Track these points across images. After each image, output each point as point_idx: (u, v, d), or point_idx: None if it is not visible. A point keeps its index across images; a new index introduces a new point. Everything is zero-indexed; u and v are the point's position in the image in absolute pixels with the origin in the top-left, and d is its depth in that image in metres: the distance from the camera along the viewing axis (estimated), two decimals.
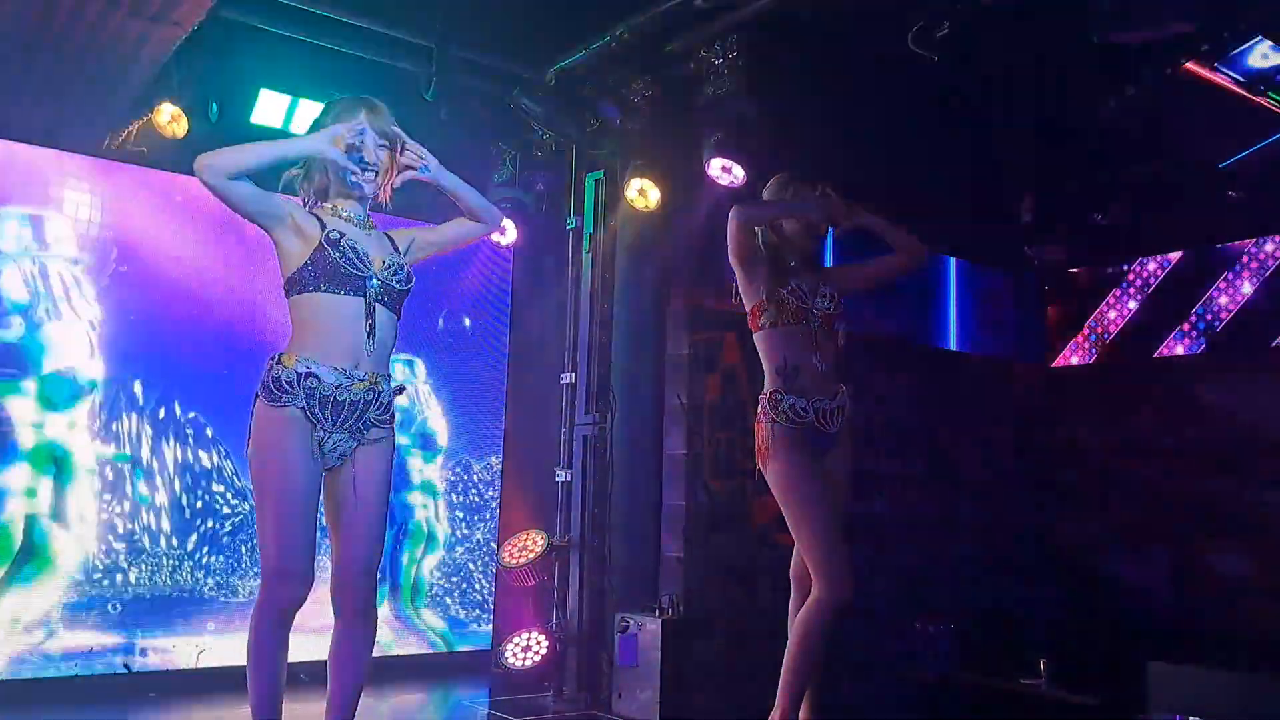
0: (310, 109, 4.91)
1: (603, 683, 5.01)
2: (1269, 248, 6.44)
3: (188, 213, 5.16)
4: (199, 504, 5.21)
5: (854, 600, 3.41)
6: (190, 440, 5.19)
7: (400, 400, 3.00)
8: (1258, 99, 4.58)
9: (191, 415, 5.19)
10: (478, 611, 5.98)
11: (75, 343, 4.91)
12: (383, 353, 2.86)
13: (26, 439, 4.78)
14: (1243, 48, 4.29)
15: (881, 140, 5.26)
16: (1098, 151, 5.65)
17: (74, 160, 4.98)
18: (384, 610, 5.55)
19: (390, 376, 2.90)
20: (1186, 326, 6.73)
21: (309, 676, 3.42)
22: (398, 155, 2.89)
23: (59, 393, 4.85)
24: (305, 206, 2.88)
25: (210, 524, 5.22)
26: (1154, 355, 6.86)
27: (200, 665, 5.08)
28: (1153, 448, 6.65)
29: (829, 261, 5.23)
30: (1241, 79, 4.50)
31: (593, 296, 5.38)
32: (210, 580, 5.19)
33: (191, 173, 2.66)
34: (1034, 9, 4.09)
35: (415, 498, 5.85)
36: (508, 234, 5.52)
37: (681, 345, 5.24)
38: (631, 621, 4.80)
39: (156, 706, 4.81)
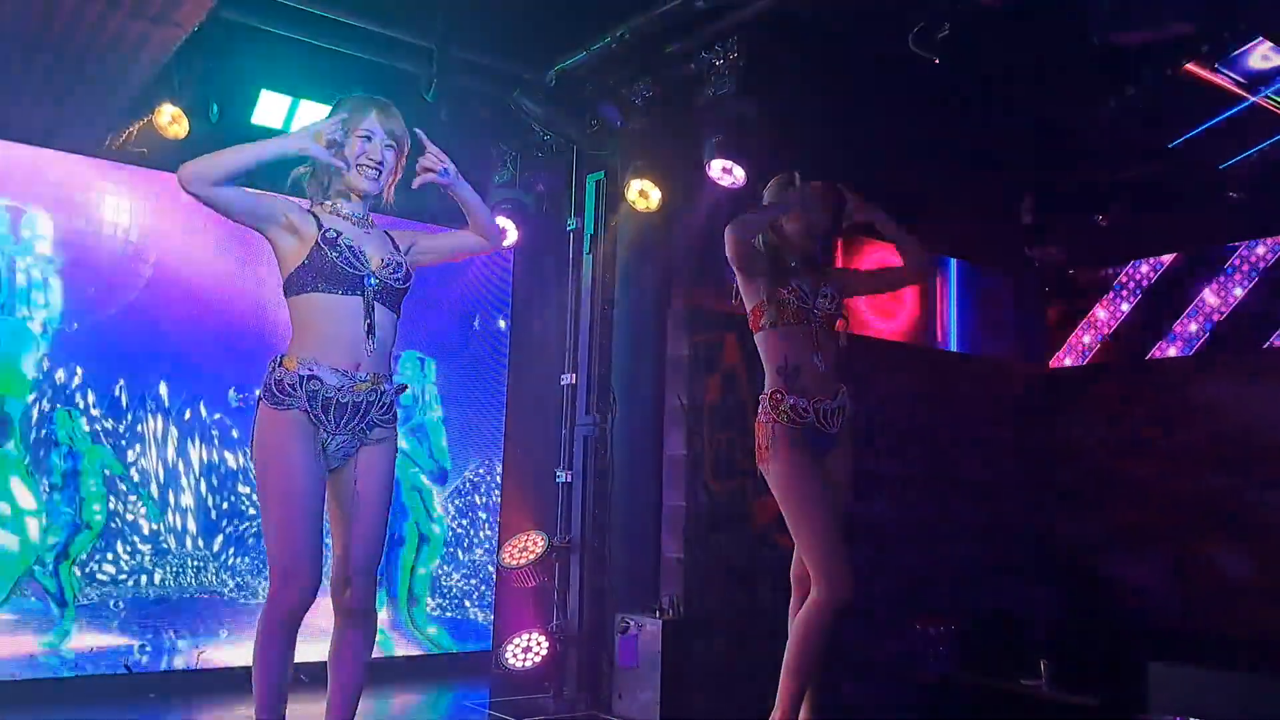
0: (311, 110, 4.91)
1: (603, 683, 5.01)
2: (1260, 250, 6.45)
3: (204, 213, 5.17)
4: (225, 505, 5.26)
5: (854, 601, 3.41)
6: (216, 442, 5.24)
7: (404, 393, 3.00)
8: (1258, 99, 4.58)
9: (217, 416, 5.24)
10: (478, 612, 5.98)
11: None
12: (383, 352, 2.85)
13: None
14: (1243, 48, 4.29)
15: (881, 140, 5.26)
16: (1098, 151, 5.65)
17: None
18: (383, 612, 5.55)
19: (391, 376, 2.90)
20: (1184, 327, 6.74)
21: (309, 677, 3.42)
22: (417, 158, 2.89)
23: None
24: (310, 204, 2.88)
25: (237, 525, 5.28)
26: (1154, 356, 6.86)
27: (201, 666, 5.09)
28: (1152, 448, 6.66)
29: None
30: (1242, 79, 4.50)
31: (593, 297, 5.38)
32: (232, 582, 5.23)
33: None
34: (1034, 9, 4.08)
35: (416, 498, 5.86)
36: (509, 235, 5.52)
37: (682, 346, 5.24)
38: (632, 622, 4.80)
39: (156, 707, 4.82)
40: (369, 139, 2.84)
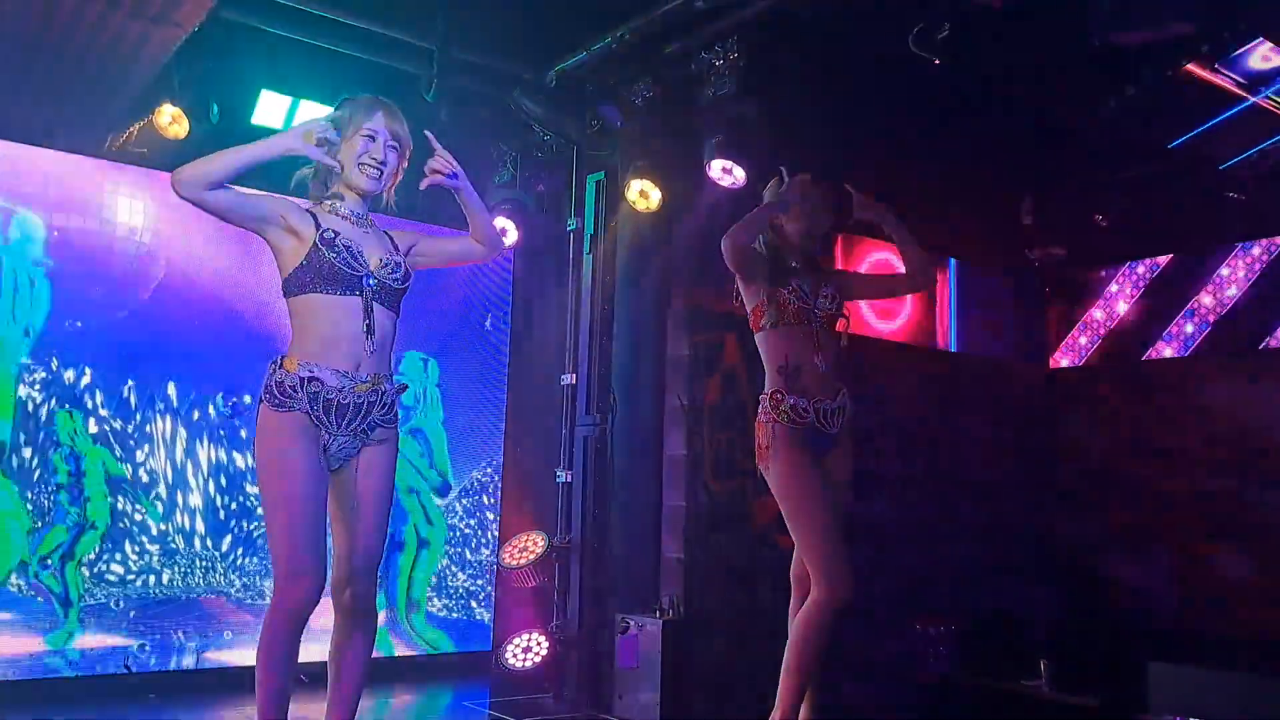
0: (311, 110, 4.91)
1: (603, 684, 5.01)
2: (1255, 251, 6.46)
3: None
4: (234, 505, 5.27)
5: (854, 601, 3.41)
6: (225, 441, 5.25)
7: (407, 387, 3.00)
8: (1258, 100, 4.58)
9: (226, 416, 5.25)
10: (478, 613, 5.98)
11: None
12: (383, 352, 2.85)
13: None
14: (1243, 49, 4.29)
15: (881, 140, 5.26)
16: (1098, 151, 5.65)
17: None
18: (381, 615, 5.54)
19: (392, 376, 2.90)
20: (1182, 328, 6.74)
21: (309, 677, 3.41)
22: (427, 160, 2.89)
23: None
24: (310, 204, 2.87)
25: (244, 525, 5.30)
26: (1154, 356, 6.86)
27: (202, 666, 5.10)
28: (1152, 448, 6.65)
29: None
30: (1242, 80, 4.50)
31: (593, 297, 5.38)
32: (239, 582, 5.24)
33: None
34: (1034, 9, 4.08)
35: (414, 501, 5.86)
36: (509, 235, 5.52)
37: (682, 346, 5.24)
38: (632, 622, 4.80)
39: (160, 707, 4.82)
40: (373, 139, 2.84)
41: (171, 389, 5.15)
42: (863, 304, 6.22)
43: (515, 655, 5.17)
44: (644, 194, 5.11)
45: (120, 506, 5.00)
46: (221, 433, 5.24)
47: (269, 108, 4.94)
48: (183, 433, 5.17)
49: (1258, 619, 5.95)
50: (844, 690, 5.03)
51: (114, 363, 5.03)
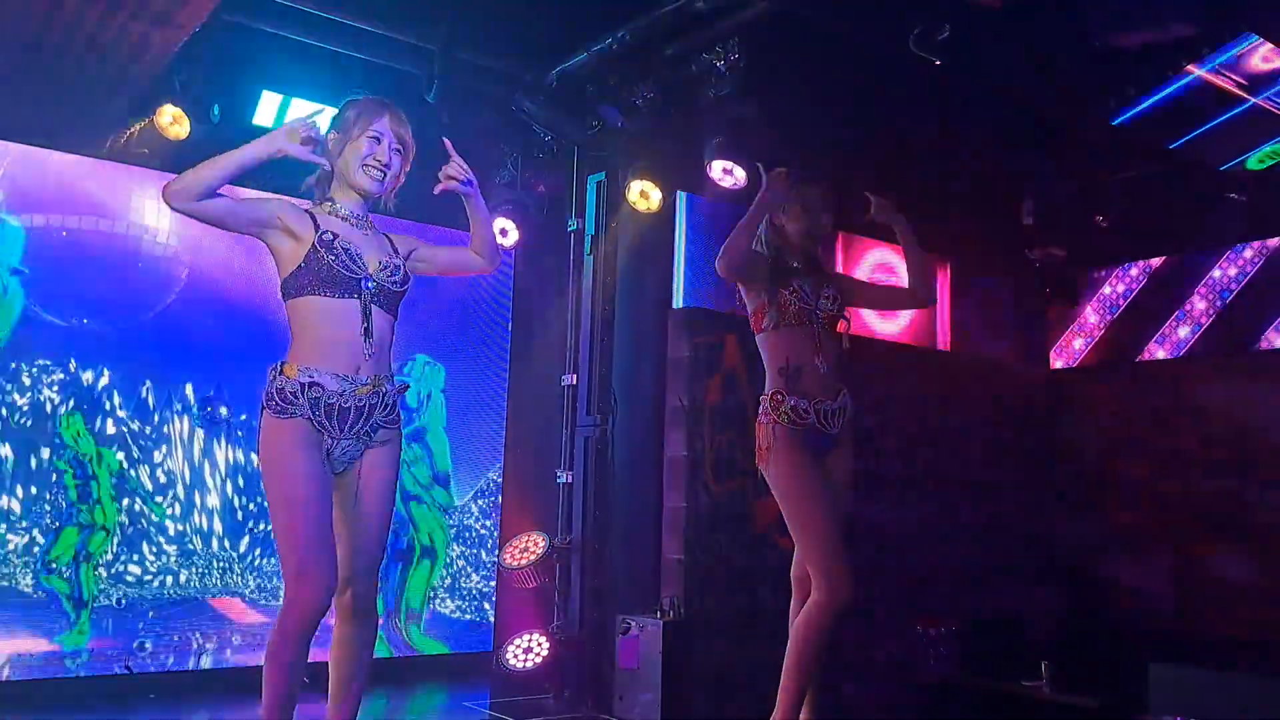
0: (301, 108, 4.91)
1: (604, 684, 5.01)
2: (1248, 254, 6.46)
3: None
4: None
5: (854, 602, 3.41)
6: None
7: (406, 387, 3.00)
8: (1258, 100, 4.59)
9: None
10: (479, 613, 5.98)
11: None
12: (382, 355, 2.84)
13: None
14: (1243, 49, 4.29)
15: (881, 140, 5.26)
16: (1098, 151, 5.65)
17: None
18: (383, 612, 5.55)
19: (392, 377, 2.90)
20: (1178, 329, 6.74)
21: (309, 678, 3.41)
22: (441, 166, 2.89)
23: None
24: (309, 205, 2.87)
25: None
26: (1154, 357, 6.87)
27: (218, 665, 5.12)
28: (1152, 449, 6.66)
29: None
30: (1242, 80, 4.50)
31: (594, 298, 5.38)
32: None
33: None
34: (1034, 9, 4.09)
35: (416, 497, 5.86)
36: (509, 236, 5.53)
37: (682, 347, 5.24)
38: (632, 623, 4.81)
39: (168, 706, 4.82)
40: (378, 141, 2.83)
41: (189, 390, 5.17)
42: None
43: (516, 656, 5.17)
44: (644, 195, 5.11)
45: (136, 508, 5.02)
46: (239, 433, 5.25)
47: (270, 109, 4.95)
48: (199, 434, 5.18)
49: (1258, 619, 5.95)
50: (844, 691, 5.04)
51: (141, 364, 5.07)
